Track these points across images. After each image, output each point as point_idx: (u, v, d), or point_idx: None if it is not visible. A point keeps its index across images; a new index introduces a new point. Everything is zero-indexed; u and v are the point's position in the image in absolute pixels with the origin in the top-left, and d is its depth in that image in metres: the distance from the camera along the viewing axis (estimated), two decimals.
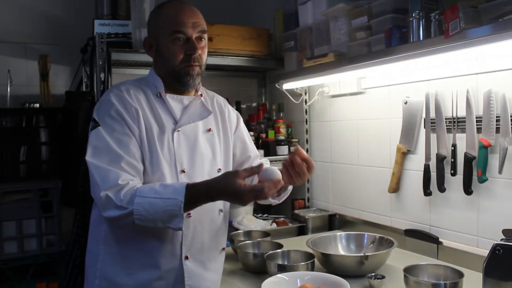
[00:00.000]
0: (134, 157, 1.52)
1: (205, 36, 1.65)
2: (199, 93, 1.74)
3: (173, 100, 1.66)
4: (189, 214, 1.58)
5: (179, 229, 1.47)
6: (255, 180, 1.53)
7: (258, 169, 1.45)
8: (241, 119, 1.92)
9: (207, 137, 1.71)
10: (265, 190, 1.40)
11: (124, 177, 1.47)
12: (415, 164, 2.18)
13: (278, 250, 2.01)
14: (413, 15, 1.81)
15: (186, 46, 1.59)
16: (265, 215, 2.84)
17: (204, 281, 1.68)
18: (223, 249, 1.78)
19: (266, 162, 1.94)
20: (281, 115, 2.98)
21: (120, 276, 1.58)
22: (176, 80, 1.64)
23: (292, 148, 2.70)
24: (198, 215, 1.60)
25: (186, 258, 1.62)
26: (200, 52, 1.61)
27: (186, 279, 1.62)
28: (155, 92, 1.65)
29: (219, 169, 1.72)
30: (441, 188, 2.01)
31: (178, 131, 1.62)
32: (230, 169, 1.80)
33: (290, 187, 1.73)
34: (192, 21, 1.60)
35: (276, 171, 1.47)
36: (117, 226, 1.54)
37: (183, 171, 1.61)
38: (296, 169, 1.55)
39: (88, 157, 1.50)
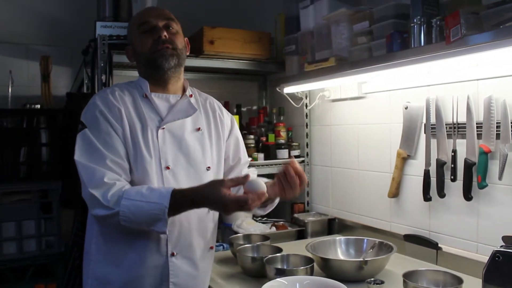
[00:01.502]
0: (119, 155, 1.57)
1: (173, 24, 1.72)
2: (189, 93, 1.78)
3: (159, 99, 1.71)
4: None
5: (163, 233, 1.52)
6: (240, 190, 1.55)
7: (243, 179, 1.47)
8: (236, 123, 1.95)
9: (196, 136, 1.74)
10: (249, 201, 1.42)
11: (110, 176, 1.51)
12: (415, 169, 2.18)
13: (278, 254, 2.01)
14: (415, 20, 1.81)
15: (153, 33, 1.67)
16: (265, 218, 2.83)
17: (192, 279, 1.70)
18: (212, 248, 1.80)
19: (253, 172, 1.97)
20: (282, 118, 2.98)
21: (110, 274, 1.62)
22: (153, 68, 1.68)
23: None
24: (185, 213, 1.61)
25: (173, 255, 1.64)
26: (169, 36, 1.68)
27: (171, 276, 1.64)
28: (142, 93, 1.70)
29: (208, 167, 1.74)
30: (441, 193, 2.01)
31: (163, 128, 1.66)
32: (222, 168, 1.83)
33: (277, 199, 1.76)
34: (155, 13, 1.70)
35: (261, 183, 1.50)
36: (104, 224, 1.59)
37: (167, 168, 1.64)
38: (289, 181, 1.58)
39: (76, 157, 1.55)
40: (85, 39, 2.56)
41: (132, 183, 1.59)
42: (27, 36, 2.89)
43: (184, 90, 1.78)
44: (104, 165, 1.52)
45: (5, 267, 2.46)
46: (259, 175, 1.94)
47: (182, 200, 1.49)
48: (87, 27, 2.59)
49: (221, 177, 1.82)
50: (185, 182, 1.66)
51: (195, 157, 1.71)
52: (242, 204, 1.43)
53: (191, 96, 1.78)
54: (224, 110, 1.92)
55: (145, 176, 1.60)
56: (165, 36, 1.66)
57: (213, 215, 1.78)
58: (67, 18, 2.96)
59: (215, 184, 1.47)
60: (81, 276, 1.74)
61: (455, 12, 1.60)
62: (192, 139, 1.72)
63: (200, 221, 1.71)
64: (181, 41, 1.73)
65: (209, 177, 1.74)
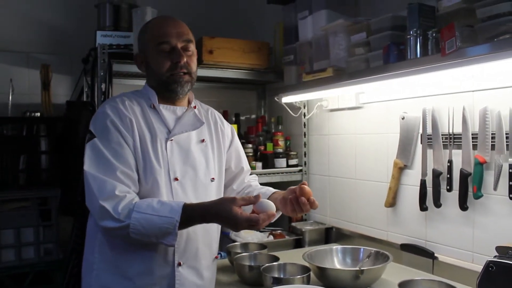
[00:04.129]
0: (129, 167, 1.57)
1: (191, 46, 1.71)
2: (193, 105, 1.79)
3: (166, 111, 1.71)
4: None
5: (171, 246, 1.53)
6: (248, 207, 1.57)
7: (255, 199, 1.50)
8: (235, 133, 1.98)
9: (200, 147, 1.76)
10: (260, 221, 1.46)
11: (121, 188, 1.51)
12: (412, 179, 2.20)
13: (274, 263, 2.02)
14: (411, 32, 1.84)
15: (172, 55, 1.65)
16: None
17: None
18: (216, 257, 1.82)
19: (254, 178, 2.00)
20: (280, 128, 3.00)
21: (115, 284, 1.61)
22: (166, 88, 1.69)
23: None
24: None
25: (179, 264, 1.65)
26: (186, 60, 1.67)
27: (177, 286, 1.64)
28: (149, 104, 1.70)
29: (213, 178, 1.77)
30: (437, 203, 2.02)
31: (171, 140, 1.67)
32: (223, 179, 1.85)
33: (280, 212, 1.77)
34: (175, 31, 1.66)
35: (271, 204, 1.54)
36: (111, 236, 1.58)
37: (176, 179, 1.65)
38: (301, 206, 1.62)
39: (85, 167, 1.54)
40: (86, 48, 2.59)
41: (140, 194, 1.58)
42: (28, 45, 2.91)
43: (189, 102, 1.80)
44: (114, 176, 1.52)
45: (4, 274, 2.47)
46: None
47: (193, 215, 1.50)
48: (88, 36, 2.62)
49: (222, 187, 1.84)
50: (192, 193, 1.68)
51: (200, 168, 1.73)
52: (253, 224, 1.46)
53: (195, 107, 1.79)
54: (225, 121, 1.95)
55: (154, 187, 1.60)
56: (184, 62, 1.66)
57: (218, 225, 1.79)
58: (67, 27, 2.99)
59: (227, 202, 1.49)
60: (79, 284, 1.75)
61: (450, 24, 1.63)
62: (197, 150, 1.74)
63: (206, 231, 1.72)
64: (195, 62, 1.72)
65: (213, 188, 1.76)
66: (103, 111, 1.62)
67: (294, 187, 1.67)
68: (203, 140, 1.77)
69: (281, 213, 1.75)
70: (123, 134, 1.58)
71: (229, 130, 1.93)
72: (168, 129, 1.69)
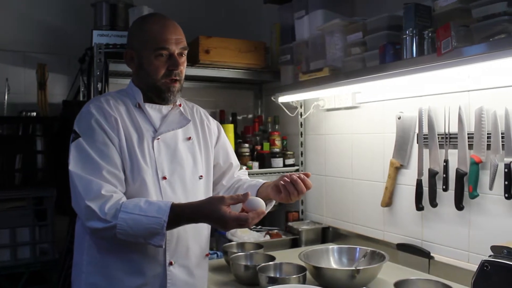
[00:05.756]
0: (115, 166, 1.55)
1: (186, 52, 1.70)
2: (178, 103, 1.78)
3: (152, 110, 1.70)
4: None
5: (159, 246, 1.50)
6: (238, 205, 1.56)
7: (244, 198, 1.49)
8: (222, 129, 1.96)
9: (187, 145, 1.75)
10: (249, 220, 1.44)
11: (107, 188, 1.49)
12: (408, 179, 2.20)
13: (270, 263, 2.02)
14: (407, 32, 1.84)
15: (169, 62, 1.64)
16: (259, 226, 2.84)
17: (189, 287, 1.69)
18: (207, 255, 1.81)
19: (244, 173, 1.99)
20: (277, 127, 3.00)
21: (104, 286, 1.60)
22: (157, 94, 1.68)
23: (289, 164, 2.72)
24: None
25: (171, 264, 1.64)
26: (181, 68, 1.67)
27: (169, 285, 1.63)
28: (135, 103, 1.69)
29: (201, 176, 1.76)
30: (433, 203, 2.03)
31: (158, 139, 1.66)
32: (211, 176, 1.84)
33: (273, 201, 1.76)
34: (175, 37, 1.65)
35: (260, 201, 1.52)
36: (98, 237, 1.56)
37: (164, 178, 1.64)
38: (297, 188, 1.60)
39: (71, 167, 1.52)
40: (82, 47, 2.59)
41: (128, 194, 1.57)
42: (24, 44, 2.90)
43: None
44: (100, 176, 1.50)
45: None
46: None
47: (181, 215, 1.48)
48: (84, 35, 2.61)
49: (211, 185, 1.84)
50: (181, 192, 1.67)
51: (188, 166, 1.72)
52: (242, 223, 1.44)
53: (180, 105, 1.79)
54: (210, 118, 1.94)
55: (142, 186, 1.59)
56: (179, 70, 1.66)
57: None
58: (64, 26, 2.98)
59: (215, 202, 1.47)
60: None
61: (446, 24, 1.63)
62: (184, 148, 1.73)
63: (196, 228, 1.71)
64: (185, 67, 1.72)
65: (201, 186, 1.76)
66: (87, 110, 1.61)
67: (287, 173, 1.65)
68: (189, 138, 1.76)
69: (274, 202, 1.75)
70: (108, 134, 1.57)
71: (215, 126, 1.92)
72: (154, 128, 1.68)
